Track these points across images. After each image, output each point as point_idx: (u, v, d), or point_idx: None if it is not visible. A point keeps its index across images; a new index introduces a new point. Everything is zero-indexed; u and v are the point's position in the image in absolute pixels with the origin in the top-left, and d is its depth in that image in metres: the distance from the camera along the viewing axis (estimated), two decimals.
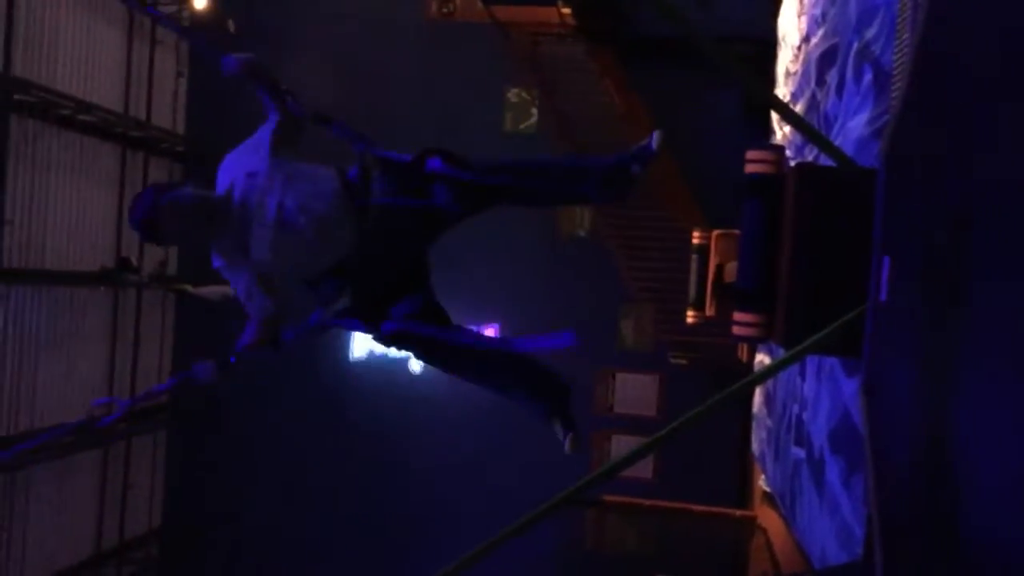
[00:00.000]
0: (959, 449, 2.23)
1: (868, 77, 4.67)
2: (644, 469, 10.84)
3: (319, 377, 11.49)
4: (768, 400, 7.93)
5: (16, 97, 9.34)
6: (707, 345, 10.17)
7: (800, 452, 5.87)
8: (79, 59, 10.42)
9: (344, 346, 11.70)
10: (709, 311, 6.16)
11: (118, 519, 11.54)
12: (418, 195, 3.43)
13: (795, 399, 6.20)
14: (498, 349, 3.70)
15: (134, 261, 11.07)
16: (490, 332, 10.39)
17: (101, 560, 11.25)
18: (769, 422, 7.67)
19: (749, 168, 3.96)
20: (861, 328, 3.20)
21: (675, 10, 3.35)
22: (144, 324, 11.76)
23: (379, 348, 11.07)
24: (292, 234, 3.31)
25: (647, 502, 10.33)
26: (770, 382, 7.50)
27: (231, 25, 11.39)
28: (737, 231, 4.47)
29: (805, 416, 5.74)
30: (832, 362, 4.89)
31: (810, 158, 5.75)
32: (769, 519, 8.31)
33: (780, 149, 4.11)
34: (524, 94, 11.53)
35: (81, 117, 10.31)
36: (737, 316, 3.98)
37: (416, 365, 11.35)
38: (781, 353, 3.71)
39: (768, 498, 8.20)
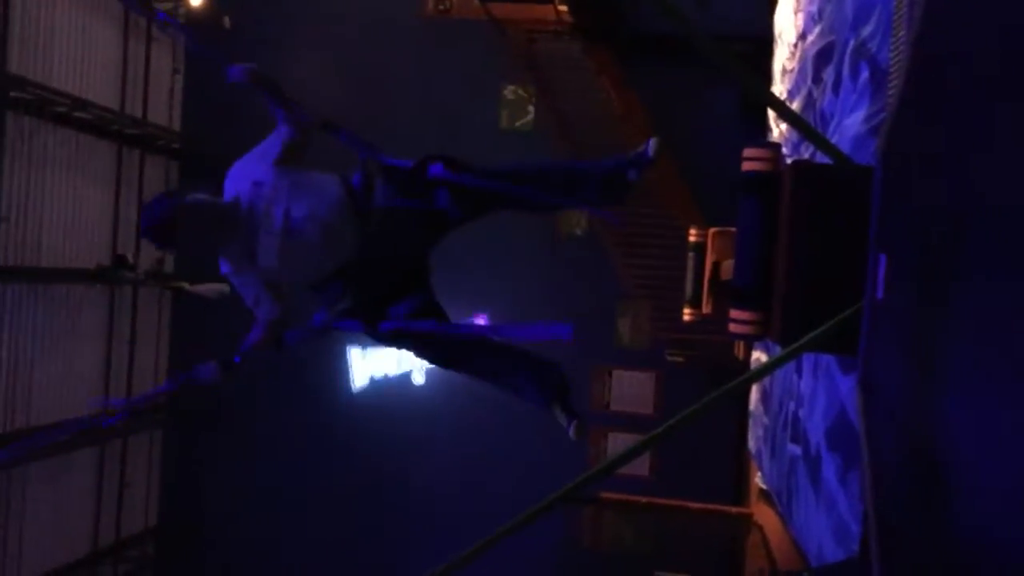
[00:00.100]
0: (955, 446, 2.23)
1: (864, 74, 4.67)
2: (641, 467, 10.86)
3: (317, 376, 11.49)
4: (765, 397, 7.94)
5: (12, 94, 9.32)
6: (704, 343, 10.18)
7: (796, 449, 5.87)
8: (75, 56, 10.40)
9: (343, 346, 11.70)
10: (706, 309, 6.16)
11: (114, 517, 11.53)
12: (420, 199, 3.49)
13: (791, 396, 6.21)
14: (495, 342, 3.73)
15: (130, 259, 11.05)
16: (480, 321, 10.39)
17: (97, 558, 11.24)
18: (766, 419, 7.68)
19: (746, 166, 3.96)
20: (857, 326, 3.20)
21: (672, 8, 3.35)
22: (140, 322, 11.74)
23: (378, 371, 11.31)
24: (298, 241, 3.38)
25: (644, 499, 10.34)
26: (767, 379, 7.51)
27: (227, 22, 11.37)
28: (734, 229, 4.47)
29: (801, 413, 5.75)
30: (828, 359, 4.89)
31: (807, 156, 5.75)
32: (765, 516, 8.32)
33: (777, 147, 4.11)
34: (520, 91, 11.52)
35: (77, 114, 10.30)
36: (734, 314, 3.98)
37: (419, 377, 11.47)
38: (778, 351, 3.71)
39: (765, 495, 8.21)
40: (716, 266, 5.86)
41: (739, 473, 10.86)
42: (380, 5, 11.84)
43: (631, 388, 11.40)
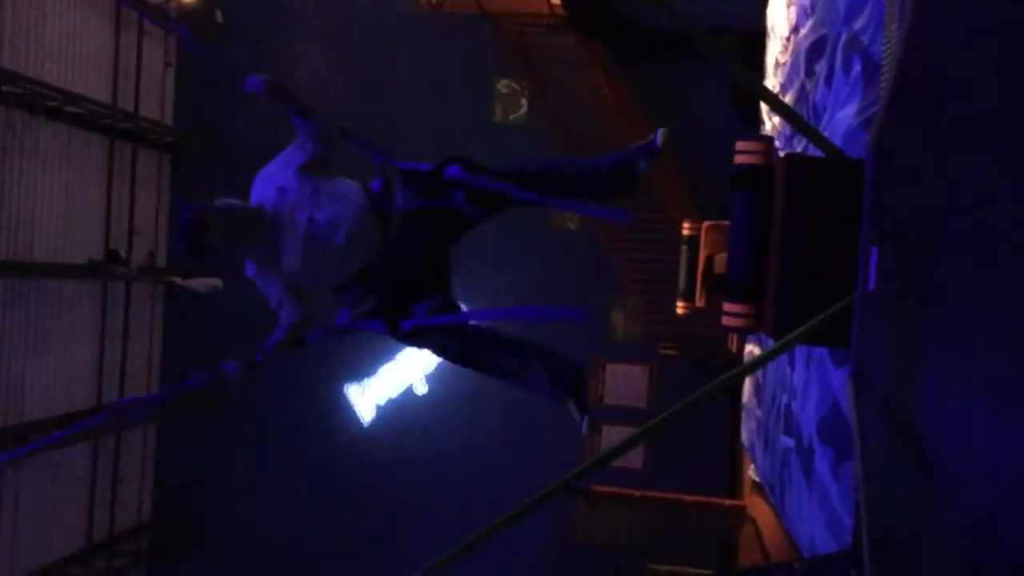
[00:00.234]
0: (947, 438, 2.24)
1: (857, 68, 4.68)
2: (634, 460, 10.87)
3: (313, 375, 11.48)
4: (758, 390, 7.96)
5: (3, 89, 9.27)
6: (697, 336, 10.19)
7: (789, 442, 5.89)
8: (67, 50, 10.36)
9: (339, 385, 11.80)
10: (699, 302, 6.17)
11: (108, 511, 11.52)
12: (438, 201, 3.61)
13: (784, 389, 6.23)
14: (511, 340, 3.82)
15: (123, 253, 11.02)
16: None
17: (92, 552, 11.23)
18: (759, 412, 7.70)
19: (739, 159, 3.97)
20: (849, 318, 3.21)
21: (665, 1, 3.35)
22: (133, 317, 11.71)
23: (380, 398, 11.40)
24: (321, 246, 3.50)
25: (637, 493, 10.36)
26: (760, 372, 7.53)
27: (219, 16, 11.34)
28: (727, 222, 4.48)
29: (794, 406, 5.77)
30: (821, 352, 4.91)
31: (799, 149, 5.76)
32: (759, 509, 8.35)
33: (769, 140, 4.12)
34: (514, 85, 11.51)
35: (69, 109, 10.25)
36: (727, 307, 3.99)
37: (421, 387, 11.57)
38: (771, 343, 3.72)
39: (758, 488, 8.24)
40: (709, 259, 5.87)
41: (732, 466, 10.89)
42: None
43: (625, 381, 11.41)
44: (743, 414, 9.00)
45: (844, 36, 4.99)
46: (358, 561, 11.56)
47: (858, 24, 4.69)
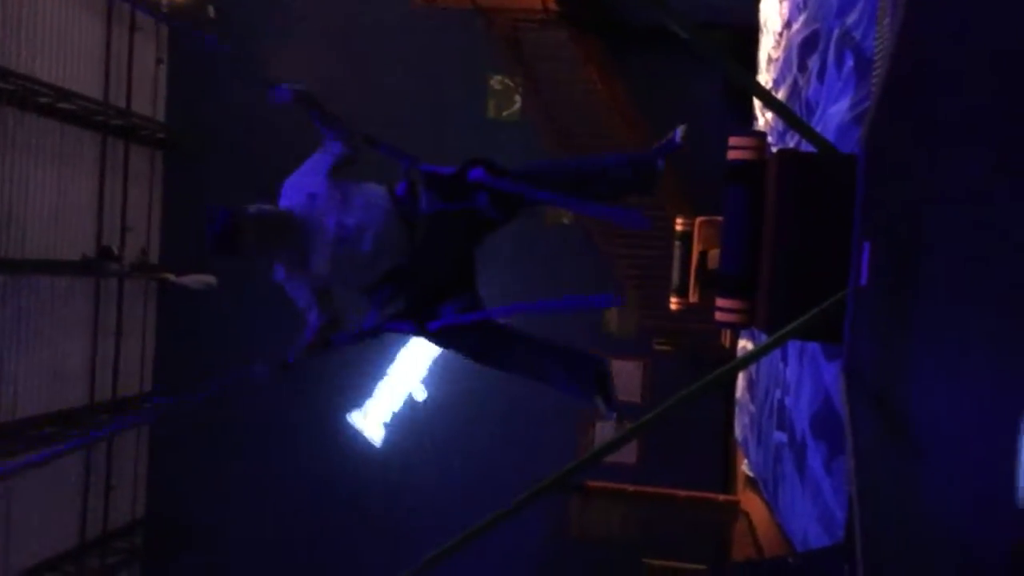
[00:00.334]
0: (938, 432, 2.25)
1: (849, 63, 4.69)
2: (628, 455, 10.89)
3: (309, 399, 11.47)
4: (751, 385, 7.97)
5: None
6: (691, 332, 10.21)
7: (782, 436, 5.91)
8: (58, 47, 10.32)
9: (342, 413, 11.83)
10: (692, 298, 6.18)
11: (102, 509, 11.50)
12: (462, 203, 3.71)
13: (777, 384, 6.24)
14: (536, 339, 3.91)
15: (115, 250, 11.00)
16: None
17: (85, 550, 11.21)
18: (752, 407, 7.72)
19: (731, 154, 3.97)
20: (842, 313, 3.22)
21: None
22: (126, 313, 11.69)
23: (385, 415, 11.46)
24: (350, 250, 3.60)
25: (631, 488, 10.38)
26: (753, 367, 7.54)
27: (211, 11, 11.30)
28: (720, 218, 4.49)
29: (787, 401, 5.78)
30: (814, 347, 4.92)
31: (792, 144, 5.77)
32: (752, 504, 8.37)
33: (762, 135, 4.12)
34: (507, 81, 11.49)
35: (61, 105, 10.22)
36: (720, 302, 4.00)
37: (420, 394, 11.63)
38: (763, 339, 3.73)
39: (751, 483, 8.26)
40: (703, 255, 5.88)
41: (726, 461, 10.91)
42: None
43: (618, 377, 11.29)
44: (736, 409, 9.02)
45: (837, 31, 5.00)
46: (349, 559, 11.55)
47: (851, 19, 4.70)
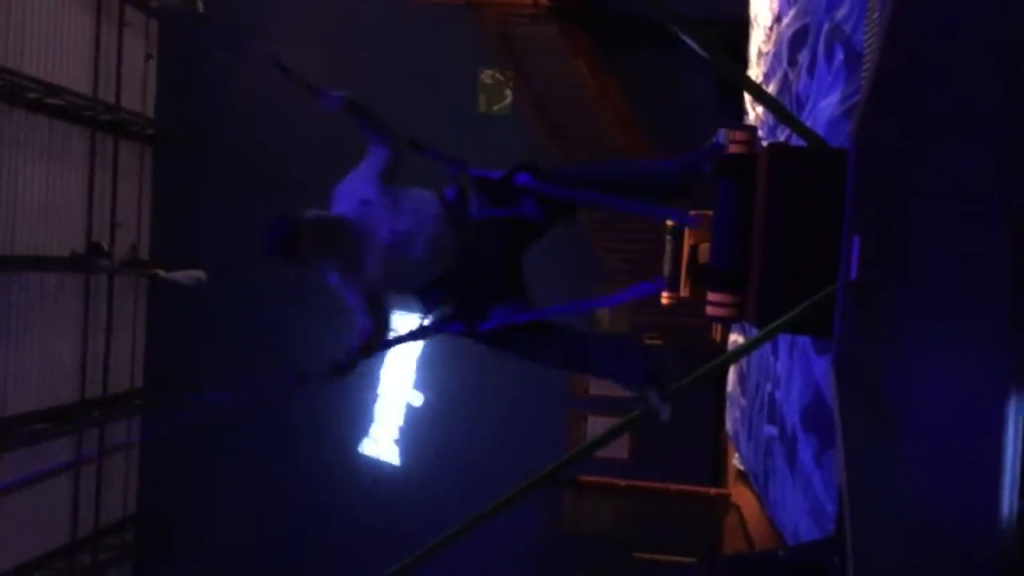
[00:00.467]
0: (928, 425, 2.26)
1: (839, 57, 4.69)
2: (620, 449, 10.91)
3: (306, 414, 11.45)
4: (742, 379, 7.99)
5: None
6: (682, 326, 10.22)
7: (773, 430, 5.92)
8: (47, 42, 10.27)
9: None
10: (684, 292, 6.16)
11: (93, 506, 11.47)
12: (510, 208, 3.79)
13: (768, 378, 6.26)
14: (585, 336, 4.04)
15: (105, 246, 10.96)
16: None
17: (76, 547, 11.18)
18: (743, 401, 7.74)
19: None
20: (832, 307, 3.22)
21: None
22: (116, 310, 11.65)
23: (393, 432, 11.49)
24: (403, 255, 3.66)
25: (623, 482, 10.40)
26: (743, 361, 7.56)
27: (200, 6, 11.25)
28: (711, 212, 4.49)
29: (778, 394, 5.80)
30: (804, 341, 4.94)
31: (783, 138, 5.78)
32: (743, 497, 8.39)
33: (753, 129, 4.12)
34: (498, 76, 11.48)
35: (49, 100, 10.18)
36: (711, 296, 4.00)
37: (416, 399, 11.68)
38: (754, 333, 3.74)
39: (742, 476, 8.28)
40: (694, 249, 5.87)
41: (717, 455, 10.94)
42: None
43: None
44: (727, 403, 9.04)
45: (827, 25, 5.01)
46: (340, 555, 11.53)
47: (840, 13, 4.71)
